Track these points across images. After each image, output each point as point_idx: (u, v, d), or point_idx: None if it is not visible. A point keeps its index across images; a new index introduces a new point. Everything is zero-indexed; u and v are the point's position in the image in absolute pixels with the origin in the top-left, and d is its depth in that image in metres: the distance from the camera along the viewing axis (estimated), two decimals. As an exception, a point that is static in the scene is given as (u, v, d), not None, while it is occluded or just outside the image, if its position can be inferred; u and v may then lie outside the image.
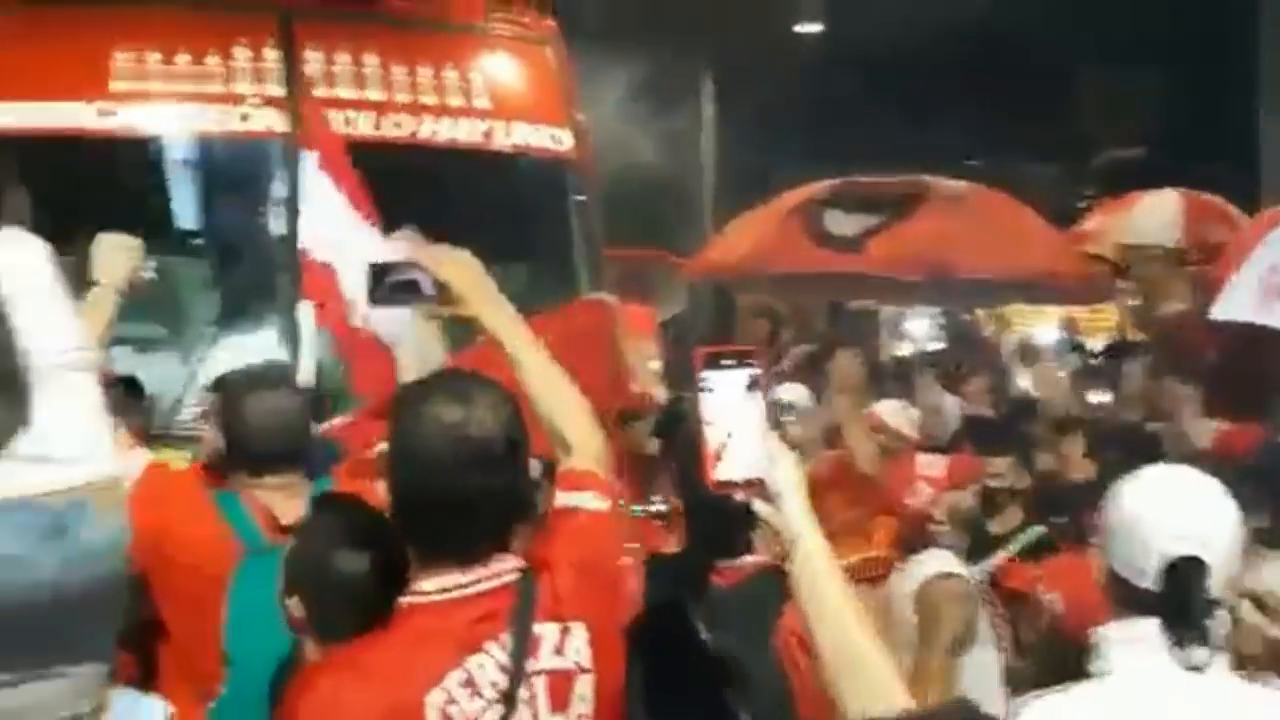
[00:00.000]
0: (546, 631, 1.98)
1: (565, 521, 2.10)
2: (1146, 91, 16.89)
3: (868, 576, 4.20)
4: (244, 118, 4.66)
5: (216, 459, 3.11)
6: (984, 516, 4.96)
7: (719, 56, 15.62)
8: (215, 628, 2.73)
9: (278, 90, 4.68)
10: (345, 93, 4.79)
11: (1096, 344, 10.96)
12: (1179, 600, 2.10)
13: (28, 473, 1.84)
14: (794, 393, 5.47)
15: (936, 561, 4.29)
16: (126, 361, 4.06)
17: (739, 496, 1.76)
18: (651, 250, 10.16)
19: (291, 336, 4.40)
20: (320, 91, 4.73)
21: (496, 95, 5.04)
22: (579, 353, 3.87)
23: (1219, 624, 2.10)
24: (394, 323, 3.13)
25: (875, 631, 1.80)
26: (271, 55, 4.72)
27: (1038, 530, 4.88)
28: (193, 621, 2.80)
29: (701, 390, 1.76)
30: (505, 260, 5.06)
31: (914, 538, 4.46)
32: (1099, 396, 7.08)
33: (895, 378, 8.23)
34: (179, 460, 3.57)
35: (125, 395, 3.48)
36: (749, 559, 2.75)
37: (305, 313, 4.19)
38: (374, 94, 4.83)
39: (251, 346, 4.39)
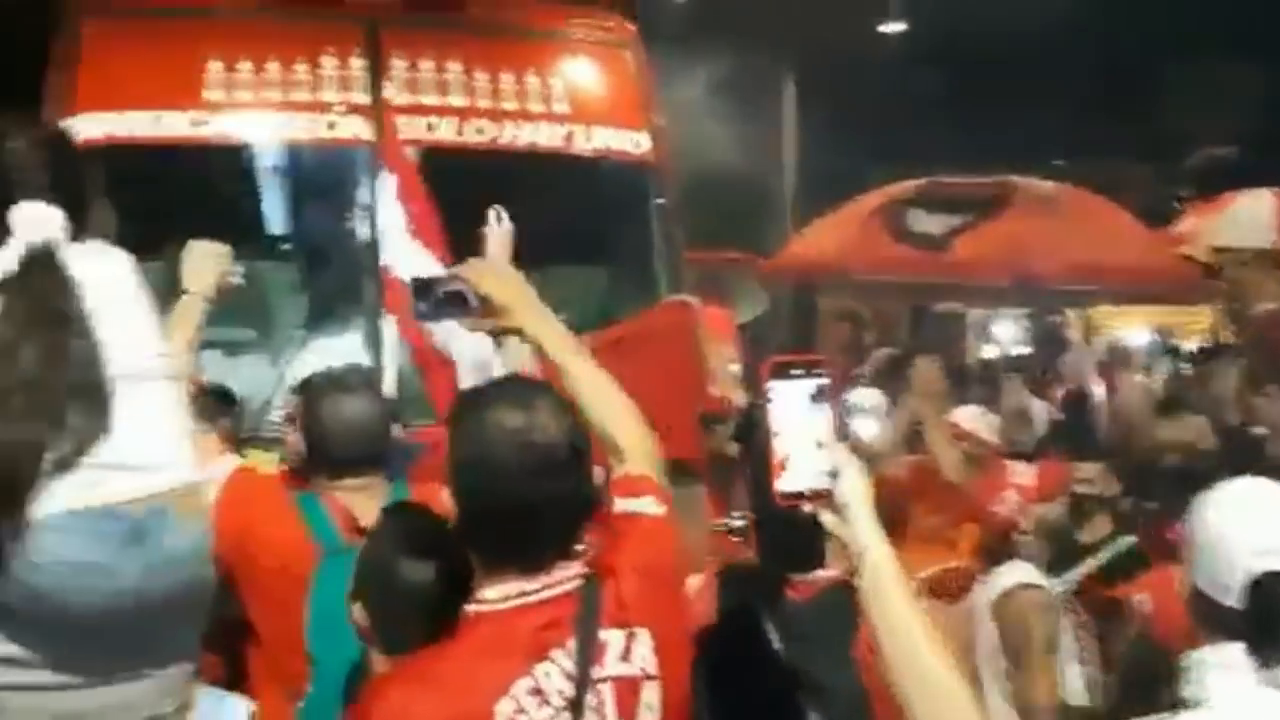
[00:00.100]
0: (612, 638, 1.96)
1: (627, 527, 2.09)
2: (1241, 88, 16.45)
3: (948, 590, 4.15)
4: (331, 125, 4.75)
5: (299, 461, 3.15)
6: (1072, 525, 4.84)
7: (801, 56, 15.53)
8: (299, 628, 2.77)
9: (364, 98, 4.77)
10: (429, 99, 4.86)
11: (1190, 346, 10.70)
12: (1264, 617, 2.03)
13: (109, 480, 1.87)
14: (868, 398, 5.42)
15: (1017, 572, 4.23)
16: (216, 365, 4.14)
17: (806, 508, 1.74)
18: (733, 252, 10.12)
19: (375, 340, 4.48)
20: (404, 98, 4.81)
21: (577, 100, 5.09)
22: (663, 355, 3.88)
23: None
24: (474, 345, 3.13)
25: (951, 646, 1.76)
26: (358, 64, 4.82)
27: (1128, 540, 4.74)
28: (278, 622, 2.84)
29: (769, 400, 1.75)
30: (586, 263, 5.15)
31: (997, 546, 4.40)
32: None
33: (981, 381, 8.10)
34: (267, 462, 3.64)
35: (216, 401, 3.53)
36: (822, 573, 2.72)
37: (388, 320, 4.26)
38: (457, 100, 4.90)
39: (338, 349, 4.45)
